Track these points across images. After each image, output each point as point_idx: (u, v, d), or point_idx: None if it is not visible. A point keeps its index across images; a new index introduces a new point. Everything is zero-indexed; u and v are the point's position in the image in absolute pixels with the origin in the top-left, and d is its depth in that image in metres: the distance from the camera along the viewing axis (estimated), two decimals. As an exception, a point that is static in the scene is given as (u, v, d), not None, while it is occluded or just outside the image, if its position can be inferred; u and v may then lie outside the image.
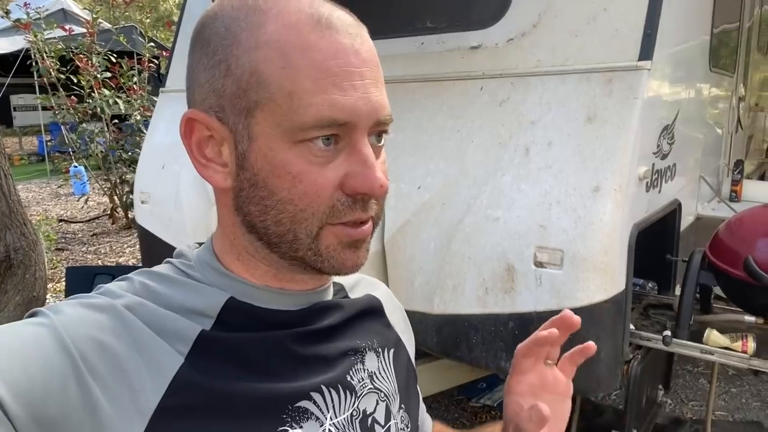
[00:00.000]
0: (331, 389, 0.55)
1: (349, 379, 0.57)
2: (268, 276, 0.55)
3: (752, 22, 3.29)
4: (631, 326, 1.74)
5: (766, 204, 2.03)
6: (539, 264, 1.60)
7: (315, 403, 0.53)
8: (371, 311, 0.66)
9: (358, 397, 0.57)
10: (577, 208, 1.56)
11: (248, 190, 0.51)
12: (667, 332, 1.72)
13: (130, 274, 0.54)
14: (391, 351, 0.65)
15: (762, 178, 4.06)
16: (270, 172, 0.49)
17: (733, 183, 2.82)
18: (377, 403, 0.59)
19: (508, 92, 1.78)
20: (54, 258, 4.94)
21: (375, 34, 0.54)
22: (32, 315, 0.48)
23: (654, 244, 2.06)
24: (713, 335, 1.68)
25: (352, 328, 0.61)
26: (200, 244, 0.59)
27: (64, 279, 3.99)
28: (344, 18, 0.50)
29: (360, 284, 0.69)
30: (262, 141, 0.49)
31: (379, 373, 0.61)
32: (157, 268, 0.55)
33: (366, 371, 0.59)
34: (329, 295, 0.61)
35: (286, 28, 0.48)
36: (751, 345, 1.66)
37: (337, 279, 0.64)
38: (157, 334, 0.48)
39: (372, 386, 0.60)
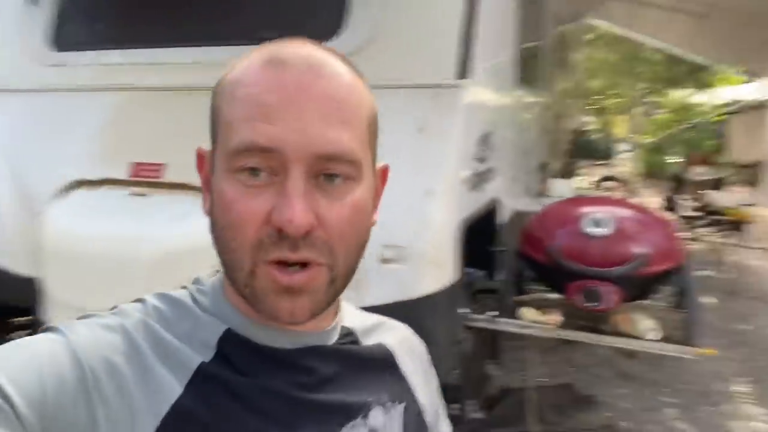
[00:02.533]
0: None
1: None
2: (250, 310, 0.52)
3: (550, 41, 3.82)
4: (464, 310, 1.98)
5: (565, 199, 2.42)
6: (385, 260, 1.75)
7: None
8: (380, 362, 0.62)
9: None
10: (414, 209, 1.74)
11: (209, 218, 0.53)
12: (492, 313, 1.98)
13: (146, 296, 0.55)
14: (402, 405, 0.61)
15: (564, 176, 4.71)
16: (215, 200, 0.51)
17: (541, 181, 3.27)
18: None
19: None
20: None
21: (212, 40, 0.59)
22: (47, 330, 0.49)
23: (481, 238, 2.33)
24: (527, 312, 1.98)
25: (355, 379, 0.58)
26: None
27: None
28: (304, 56, 0.50)
29: (377, 330, 0.65)
30: (216, 171, 0.52)
31: (384, 430, 0.58)
32: (172, 292, 0.55)
33: (367, 427, 0.56)
34: (331, 339, 0.58)
35: (243, 68, 0.51)
36: (558, 318, 1.99)
37: (347, 324, 0.61)
38: (161, 360, 0.49)
39: None
